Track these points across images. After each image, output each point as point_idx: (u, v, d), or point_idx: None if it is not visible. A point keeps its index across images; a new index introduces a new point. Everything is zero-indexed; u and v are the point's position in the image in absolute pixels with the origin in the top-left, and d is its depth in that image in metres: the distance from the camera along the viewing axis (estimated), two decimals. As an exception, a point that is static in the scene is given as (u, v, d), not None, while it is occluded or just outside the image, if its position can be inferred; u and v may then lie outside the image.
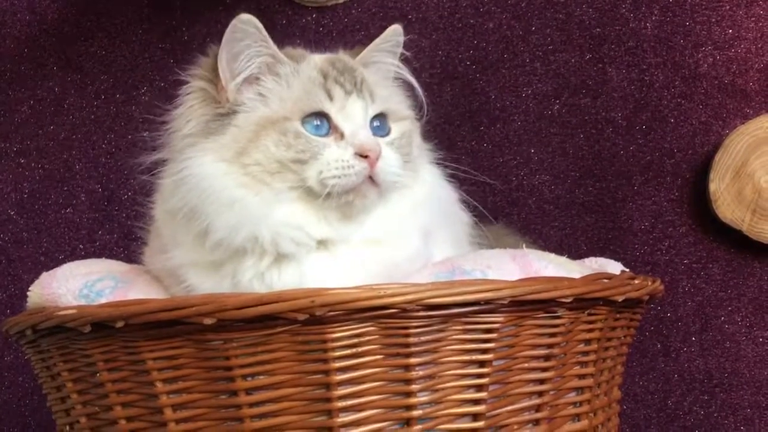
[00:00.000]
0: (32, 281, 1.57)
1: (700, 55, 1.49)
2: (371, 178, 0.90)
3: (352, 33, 1.55)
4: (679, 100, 1.50)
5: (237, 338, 0.80)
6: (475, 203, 1.07)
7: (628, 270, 1.00)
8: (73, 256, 1.56)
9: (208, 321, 0.78)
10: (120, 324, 0.81)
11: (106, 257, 1.55)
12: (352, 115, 0.91)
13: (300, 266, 0.89)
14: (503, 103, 1.52)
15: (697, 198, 1.49)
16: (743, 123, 1.47)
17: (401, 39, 0.98)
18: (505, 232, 1.27)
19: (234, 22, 0.90)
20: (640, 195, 1.50)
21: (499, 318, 0.82)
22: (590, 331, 0.88)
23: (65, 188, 1.57)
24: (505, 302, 0.81)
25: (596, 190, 1.51)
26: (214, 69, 0.92)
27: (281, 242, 0.88)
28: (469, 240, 1.05)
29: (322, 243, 0.90)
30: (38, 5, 1.58)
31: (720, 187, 1.45)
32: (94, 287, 0.91)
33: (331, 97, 0.91)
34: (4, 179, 1.57)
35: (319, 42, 1.55)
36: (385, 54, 0.98)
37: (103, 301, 0.90)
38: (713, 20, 1.49)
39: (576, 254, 1.49)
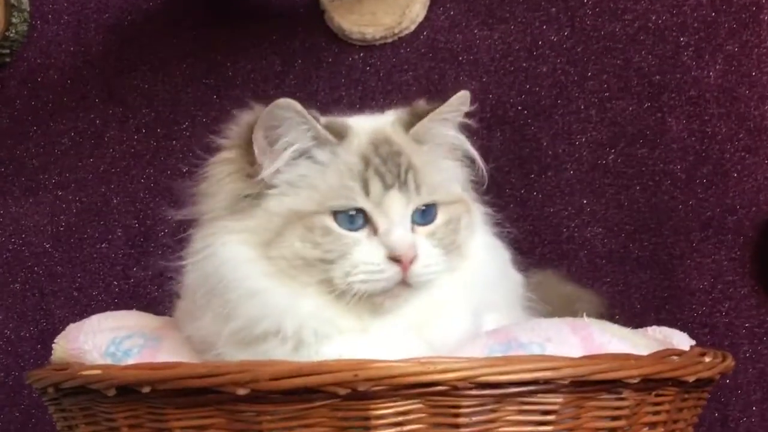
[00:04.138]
0: (64, 316, 1.57)
1: (766, 107, 1.44)
2: (403, 281, 0.84)
3: (400, 73, 1.53)
4: (742, 153, 1.45)
5: (272, 411, 0.75)
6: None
7: (694, 342, 0.94)
8: (107, 292, 1.55)
9: (241, 391, 0.73)
10: (147, 389, 0.76)
11: (140, 294, 1.55)
12: (389, 212, 0.84)
13: (337, 346, 0.83)
14: (555, 150, 1.48)
15: (760, 258, 1.43)
16: (811, 180, 1.42)
17: (466, 107, 0.90)
18: (556, 280, 1.22)
19: (271, 108, 0.83)
20: (699, 252, 1.45)
21: (558, 399, 0.76)
22: (656, 413, 0.82)
23: (102, 222, 1.56)
24: (566, 382, 0.75)
25: (652, 246, 1.46)
26: (248, 141, 0.86)
27: (304, 333, 0.83)
28: (521, 302, 0.99)
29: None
30: (83, 36, 1.58)
31: (786, 248, 1.39)
32: (121, 345, 0.87)
33: (367, 192, 0.84)
34: (41, 211, 1.56)
35: (365, 81, 1.53)
36: (447, 125, 0.90)
37: (130, 361, 0.86)
38: (780, 71, 1.45)
39: (630, 312, 1.45)
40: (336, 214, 0.84)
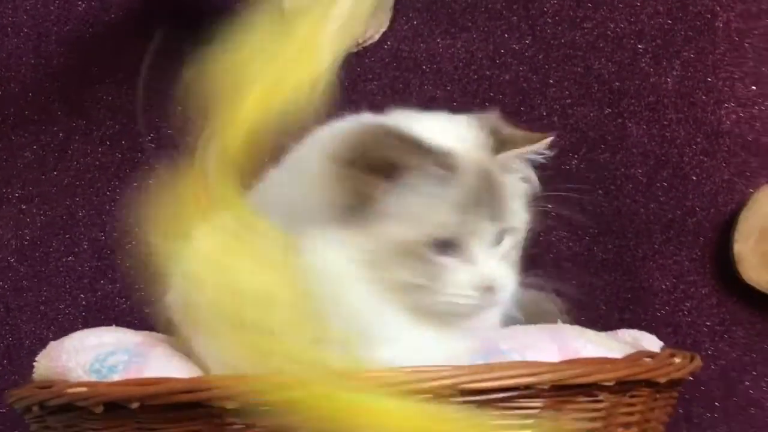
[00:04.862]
0: (31, 331, 1.56)
1: (722, 112, 1.47)
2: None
3: (365, 82, 1.53)
4: (701, 157, 1.47)
5: (261, 423, 0.75)
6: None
7: (662, 343, 0.97)
8: (74, 305, 1.53)
9: (230, 405, 0.74)
10: (135, 405, 0.76)
11: (108, 307, 1.54)
12: (486, 241, 0.87)
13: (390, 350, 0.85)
14: (520, 156, 1.51)
15: (720, 258, 1.46)
16: (768, 182, 1.45)
17: (548, 152, 0.96)
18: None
19: (385, 138, 0.84)
20: (661, 254, 1.47)
21: (538, 403, 0.78)
22: (631, 414, 0.84)
23: (67, 236, 1.54)
24: (546, 387, 0.77)
25: (615, 248, 1.48)
26: (365, 163, 0.84)
27: (375, 339, 0.84)
28: None
29: None
30: (44, 49, 1.56)
31: (745, 248, 1.42)
32: (105, 362, 0.86)
33: (470, 225, 0.86)
34: (5, 225, 1.54)
35: (330, 90, 1.53)
36: (528, 165, 0.95)
37: (115, 377, 0.85)
38: (736, 77, 1.47)
39: (595, 314, 1.47)
40: (435, 243, 0.85)
